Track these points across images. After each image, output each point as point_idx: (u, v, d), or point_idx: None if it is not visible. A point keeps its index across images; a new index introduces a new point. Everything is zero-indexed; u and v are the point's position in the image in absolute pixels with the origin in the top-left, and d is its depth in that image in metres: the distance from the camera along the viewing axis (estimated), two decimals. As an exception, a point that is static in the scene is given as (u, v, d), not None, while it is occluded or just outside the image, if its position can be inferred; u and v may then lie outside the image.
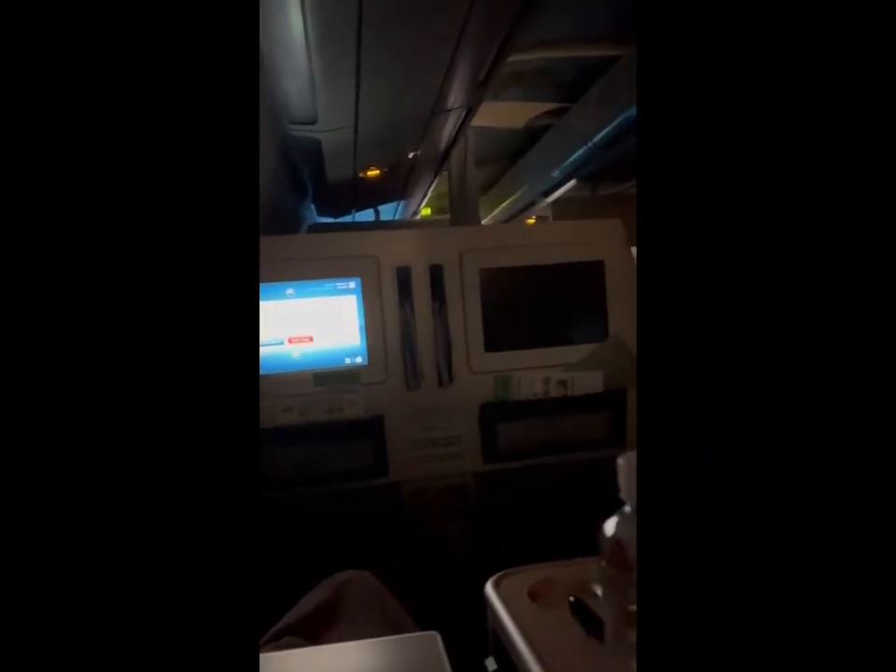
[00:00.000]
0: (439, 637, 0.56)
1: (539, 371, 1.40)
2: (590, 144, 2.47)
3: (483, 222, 3.94)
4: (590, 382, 1.42)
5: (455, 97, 1.76)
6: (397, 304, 1.35)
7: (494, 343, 1.39)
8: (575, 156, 2.66)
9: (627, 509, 0.32)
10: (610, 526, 0.32)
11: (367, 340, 1.34)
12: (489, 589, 0.61)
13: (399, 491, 1.35)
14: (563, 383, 1.42)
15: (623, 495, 0.32)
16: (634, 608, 0.29)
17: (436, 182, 2.96)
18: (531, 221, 3.96)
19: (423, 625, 0.67)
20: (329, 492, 1.30)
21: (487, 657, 0.62)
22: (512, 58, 2.03)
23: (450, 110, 1.84)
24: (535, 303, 1.44)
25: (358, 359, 1.35)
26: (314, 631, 0.71)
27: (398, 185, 2.73)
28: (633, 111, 2.13)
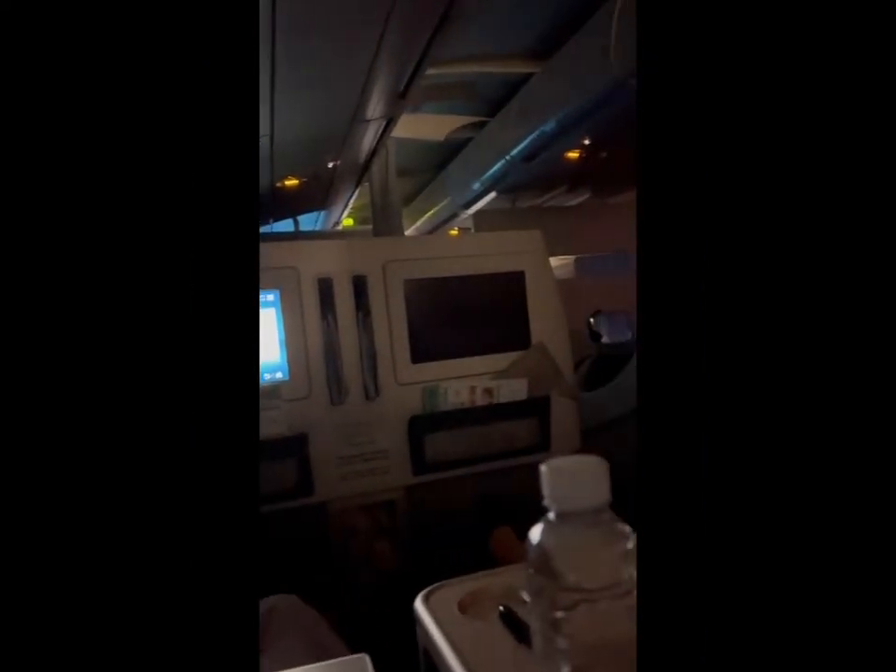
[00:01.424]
0: (368, 660, 0.54)
1: (465, 380, 1.41)
2: (508, 157, 2.54)
3: (406, 233, 3.95)
4: (515, 389, 1.45)
5: (374, 108, 1.76)
6: (319, 317, 1.31)
7: (420, 353, 1.38)
8: (494, 169, 2.73)
9: (551, 515, 0.32)
10: (536, 533, 0.32)
11: (287, 354, 1.30)
12: (418, 604, 0.60)
13: (325, 511, 1.31)
14: (489, 391, 1.44)
15: (546, 501, 0.32)
16: (560, 614, 0.29)
17: (357, 192, 2.93)
18: (454, 232, 4.01)
19: (354, 648, 0.65)
20: None
21: (419, 675, 0.60)
22: (432, 71, 2.06)
23: (369, 121, 1.83)
24: (459, 313, 1.45)
25: (279, 375, 1.30)
26: None
27: (317, 194, 2.68)
28: (549, 125, 2.20)
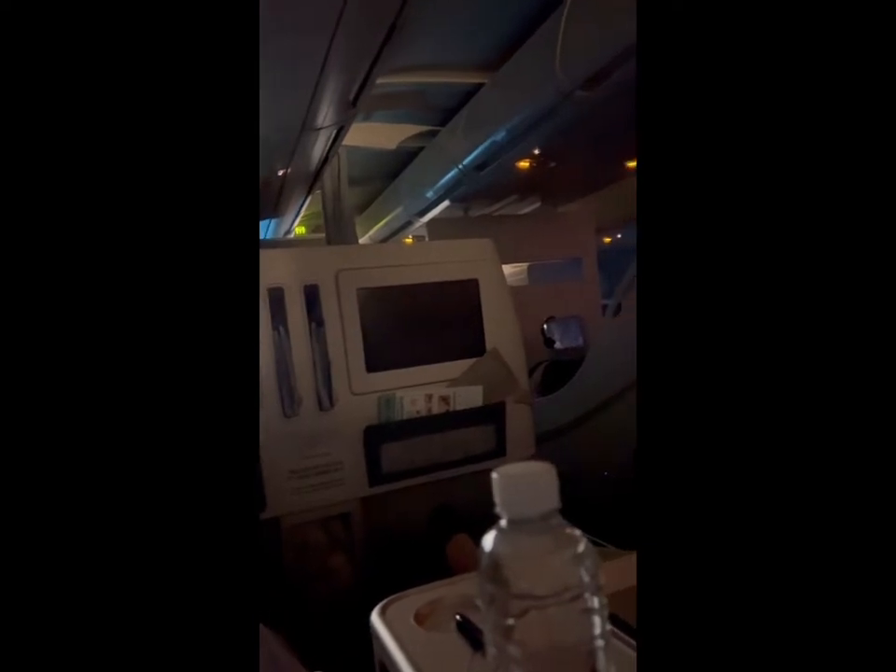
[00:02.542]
0: None
1: (421, 388, 1.41)
2: (460, 166, 2.57)
3: (360, 241, 3.92)
4: (470, 396, 1.45)
5: (325, 116, 1.75)
6: (269, 327, 1.29)
7: (375, 363, 1.37)
8: (447, 178, 2.75)
9: (503, 522, 0.32)
10: (487, 541, 0.32)
11: (238, 366, 1.26)
12: (374, 618, 0.59)
13: (278, 526, 1.28)
14: (445, 399, 1.44)
15: (497, 509, 0.32)
16: (511, 621, 0.29)
17: (309, 200, 2.89)
18: (409, 241, 4.01)
19: (311, 665, 0.64)
20: None
21: (376, 690, 0.59)
22: (382, 80, 2.06)
23: (320, 129, 1.82)
24: (414, 322, 1.45)
25: (229, 387, 1.26)
26: None
27: (268, 202, 2.63)
28: (499, 136, 2.24)
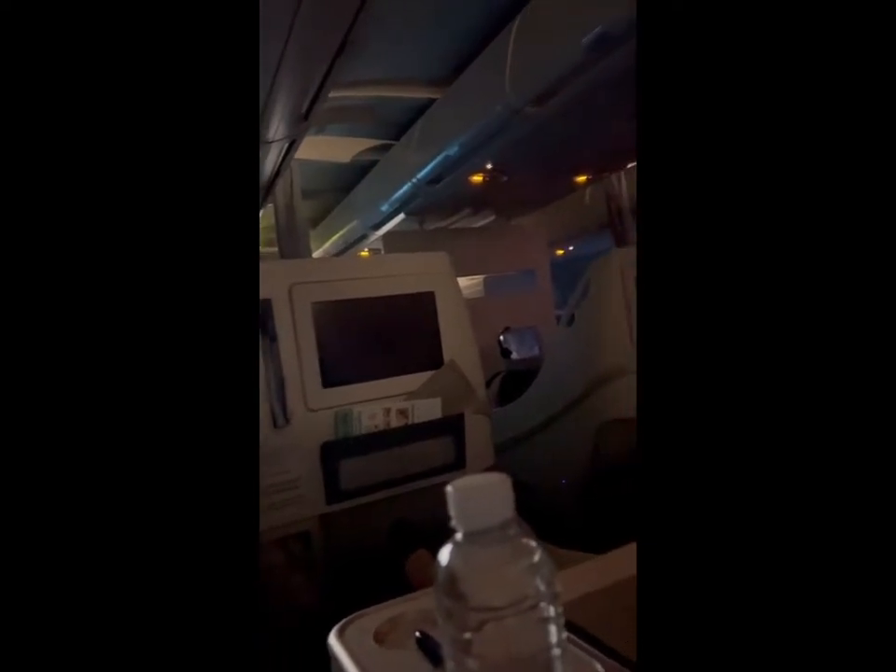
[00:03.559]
0: None
1: (379, 402, 1.39)
2: (414, 180, 2.58)
3: (314, 255, 3.87)
4: (429, 409, 1.45)
5: (276, 129, 1.73)
6: (222, 344, 1.25)
7: (331, 378, 1.35)
8: (401, 191, 2.76)
9: (459, 536, 0.32)
10: (444, 555, 0.32)
11: (189, 385, 1.23)
12: (332, 639, 0.58)
13: None
14: (403, 412, 1.43)
15: (453, 522, 0.32)
16: (469, 635, 0.29)
17: (262, 214, 2.85)
18: (365, 254, 3.99)
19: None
20: None
21: (336, 714, 0.58)
22: (335, 93, 2.05)
23: (271, 142, 1.80)
24: (371, 335, 1.44)
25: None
26: None
27: (219, 217, 2.57)
28: (451, 150, 2.26)
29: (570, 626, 0.46)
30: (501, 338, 2.85)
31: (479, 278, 3.92)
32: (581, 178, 3.00)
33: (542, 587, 0.30)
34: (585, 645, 0.47)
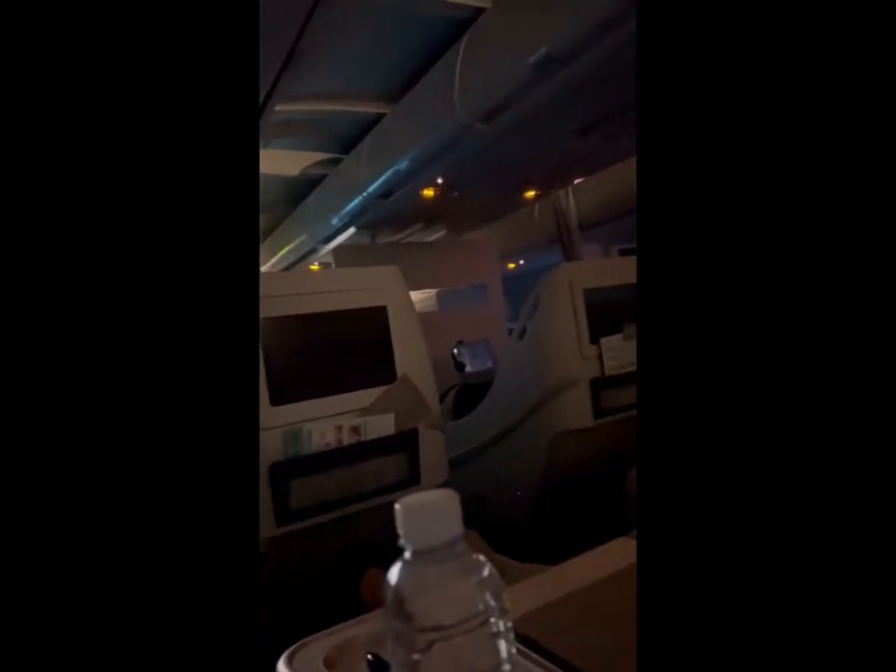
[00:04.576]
0: None
1: (330, 419, 1.37)
2: (365, 194, 2.57)
3: (262, 269, 3.79)
4: (382, 425, 1.43)
5: (222, 142, 1.69)
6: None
7: (280, 395, 1.32)
8: (352, 205, 2.74)
9: (408, 555, 0.31)
10: (393, 575, 0.31)
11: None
12: (281, 667, 0.55)
13: None
14: (356, 429, 1.41)
15: (402, 541, 0.31)
16: (417, 656, 0.28)
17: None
18: (315, 268, 3.94)
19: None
20: None
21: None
22: (283, 107, 2.03)
23: (216, 155, 1.76)
24: (321, 351, 1.41)
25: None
26: None
27: (162, 231, 2.49)
28: (402, 165, 2.27)
29: (523, 640, 0.46)
30: (455, 351, 2.86)
31: (431, 292, 3.93)
32: (531, 194, 3.06)
33: (492, 602, 0.30)
34: (538, 658, 0.47)
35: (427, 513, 0.30)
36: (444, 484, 1.49)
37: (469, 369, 2.82)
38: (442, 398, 2.11)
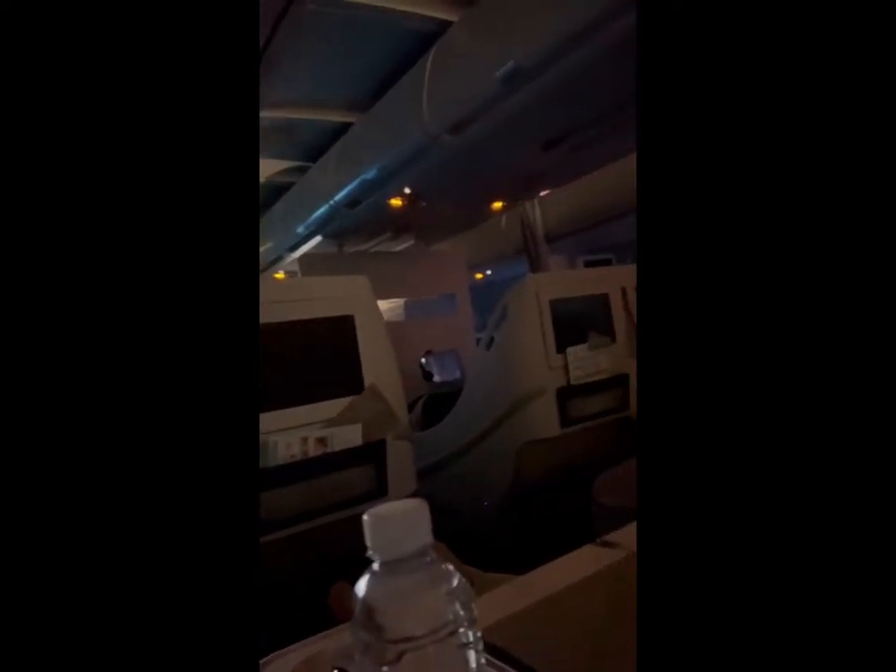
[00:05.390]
0: None
1: (296, 431, 1.34)
2: (332, 202, 2.56)
3: (228, 279, 3.71)
4: (349, 436, 1.42)
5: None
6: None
7: (244, 406, 1.29)
8: (318, 213, 2.73)
9: (376, 566, 0.31)
10: (361, 587, 0.31)
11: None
12: None
13: None
14: (322, 440, 1.39)
15: (370, 552, 0.31)
16: (386, 669, 0.28)
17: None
18: (280, 276, 3.89)
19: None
20: None
21: None
22: (248, 114, 2.00)
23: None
24: (287, 361, 1.39)
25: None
26: None
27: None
28: (369, 174, 2.27)
29: (492, 649, 0.45)
30: (423, 361, 2.86)
31: (399, 301, 3.92)
32: (498, 205, 3.10)
33: (461, 612, 0.30)
34: (507, 668, 0.47)
35: (395, 523, 0.30)
36: (413, 495, 1.48)
37: (437, 378, 2.82)
38: (410, 407, 2.11)
